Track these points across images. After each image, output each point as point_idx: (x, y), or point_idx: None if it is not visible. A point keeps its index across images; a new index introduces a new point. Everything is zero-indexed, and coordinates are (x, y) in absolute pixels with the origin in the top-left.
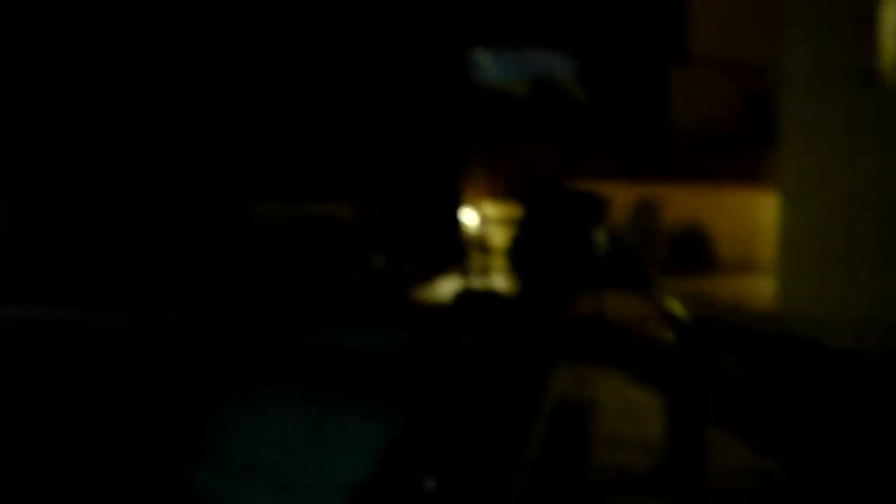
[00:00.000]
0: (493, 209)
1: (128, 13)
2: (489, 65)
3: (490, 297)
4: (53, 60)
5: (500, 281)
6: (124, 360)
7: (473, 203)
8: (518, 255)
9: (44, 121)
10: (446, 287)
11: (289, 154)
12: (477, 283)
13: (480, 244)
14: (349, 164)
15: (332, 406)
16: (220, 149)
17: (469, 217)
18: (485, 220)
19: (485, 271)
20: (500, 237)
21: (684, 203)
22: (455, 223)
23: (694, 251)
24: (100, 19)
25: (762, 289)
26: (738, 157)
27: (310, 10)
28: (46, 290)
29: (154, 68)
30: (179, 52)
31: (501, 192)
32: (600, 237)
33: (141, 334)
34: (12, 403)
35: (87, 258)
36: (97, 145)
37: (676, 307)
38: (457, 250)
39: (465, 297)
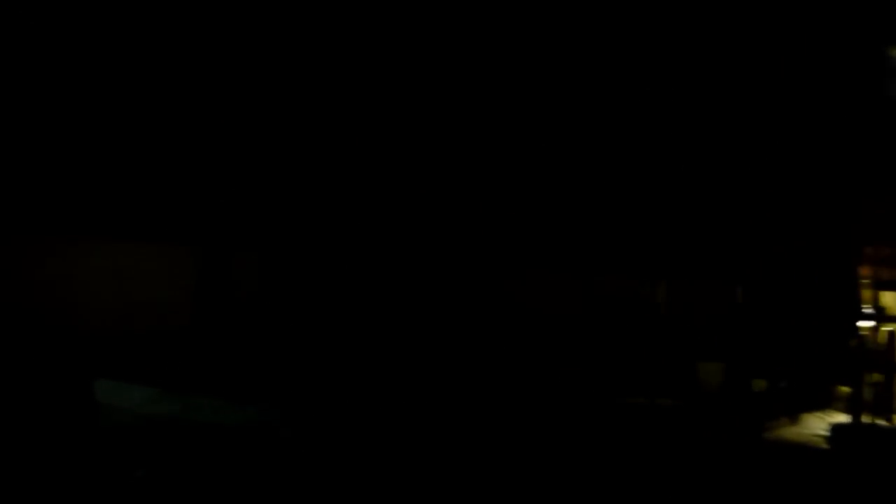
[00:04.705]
0: None
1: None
2: None
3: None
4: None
5: None
6: None
7: (873, 292)
8: None
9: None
10: (822, 421)
11: (576, 212)
12: (871, 415)
13: (880, 355)
14: (664, 225)
15: None
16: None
17: (865, 314)
18: (887, 319)
19: (885, 396)
20: None
21: None
22: (844, 323)
23: None
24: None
25: None
26: None
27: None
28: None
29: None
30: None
31: None
32: None
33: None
34: None
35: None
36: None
37: None
38: (844, 364)
39: (853, 437)
